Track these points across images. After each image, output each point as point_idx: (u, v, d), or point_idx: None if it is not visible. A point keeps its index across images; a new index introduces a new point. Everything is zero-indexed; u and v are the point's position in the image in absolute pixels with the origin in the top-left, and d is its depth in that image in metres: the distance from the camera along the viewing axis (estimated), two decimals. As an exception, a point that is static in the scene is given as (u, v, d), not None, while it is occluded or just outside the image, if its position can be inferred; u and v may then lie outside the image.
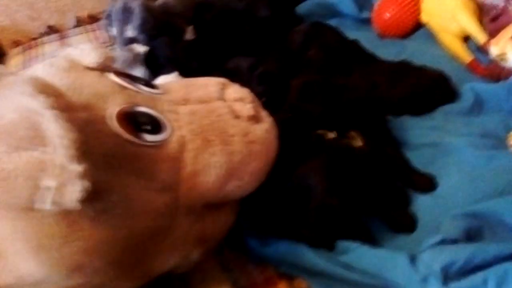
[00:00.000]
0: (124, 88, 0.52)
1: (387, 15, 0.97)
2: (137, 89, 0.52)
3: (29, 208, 0.39)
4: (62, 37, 1.35)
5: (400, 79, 0.76)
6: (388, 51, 0.90)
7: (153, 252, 0.50)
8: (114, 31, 0.93)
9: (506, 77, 0.76)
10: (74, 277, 0.42)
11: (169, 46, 0.88)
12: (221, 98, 0.57)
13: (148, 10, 0.89)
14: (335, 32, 0.89)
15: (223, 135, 0.53)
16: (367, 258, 0.55)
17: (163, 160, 0.49)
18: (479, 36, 0.84)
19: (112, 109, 0.47)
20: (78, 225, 0.41)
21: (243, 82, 0.62)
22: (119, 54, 0.91)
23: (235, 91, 0.59)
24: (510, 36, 0.64)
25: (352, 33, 0.93)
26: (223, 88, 0.59)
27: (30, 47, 1.29)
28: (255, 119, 0.57)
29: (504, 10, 0.84)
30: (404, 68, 0.78)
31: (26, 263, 0.40)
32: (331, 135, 0.61)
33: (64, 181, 0.37)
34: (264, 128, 0.57)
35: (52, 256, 0.40)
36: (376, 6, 1.01)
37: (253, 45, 0.94)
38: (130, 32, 0.91)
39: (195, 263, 0.57)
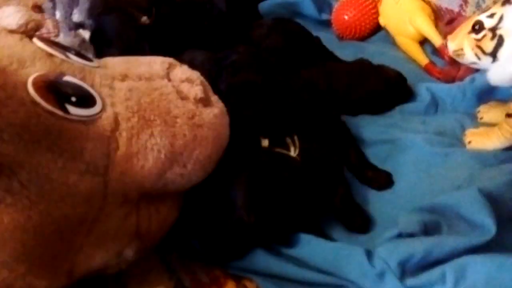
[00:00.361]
0: (50, 55, 0.45)
1: (346, 17, 0.97)
2: (65, 58, 0.46)
3: None
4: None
5: (359, 80, 0.74)
6: (347, 53, 0.90)
7: (75, 246, 0.43)
8: (58, 14, 0.86)
9: (461, 79, 0.78)
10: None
11: (122, 23, 0.82)
12: (167, 76, 0.52)
13: None
14: (299, 26, 0.86)
15: (165, 115, 0.47)
16: (321, 252, 0.52)
17: (90, 138, 0.42)
18: (435, 39, 0.86)
19: (30, 75, 0.40)
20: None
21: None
22: (65, 39, 0.84)
23: (183, 72, 0.53)
24: (467, 31, 0.63)
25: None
26: (169, 67, 0.53)
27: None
28: (203, 102, 0.52)
29: (459, 14, 0.88)
30: (363, 68, 0.77)
31: None
32: (264, 142, 0.57)
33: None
34: (213, 112, 0.52)
35: None
36: (335, 8, 1.02)
37: (210, 39, 0.90)
38: (77, 16, 0.83)
39: (129, 263, 0.50)
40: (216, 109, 0.53)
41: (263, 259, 0.53)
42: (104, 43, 0.79)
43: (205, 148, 0.50)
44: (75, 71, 0.45)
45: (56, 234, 0.40)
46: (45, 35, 0.85)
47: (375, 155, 0.68)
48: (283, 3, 1.07)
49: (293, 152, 0.57)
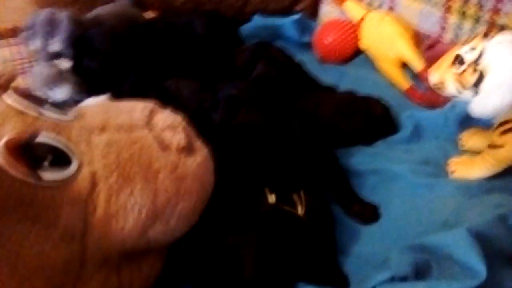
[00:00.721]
0: (22, 113, 0.42)
1: (326, 41, 0.98)
2: (37, 114, 0.43)
3: None
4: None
5: (347, 113, 0.73)
6: (329, 76, 0.90)
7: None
8: (36, 44, 0.83)
9: (443, 104, 0.77)
10: None
11: (106, 36, 0.80)
12: (148, 125, 0.49)
13: (76, 23, 0.80)
14: (281, 51, 0.85)
15: (145, 171, 0.45)
16: None
17: (64, 203, 0.40)
18: (416, 63, 0.86)
19: (1, 138, 0.38)
20: None
21: (182, 108, 0.55)
22: (41, 70, 0.82)
23: (165, 118, 0.51)
24: (448, 65, 0.62)
25: (294, 57, 0.91)
26: (150, 114, 0.51)
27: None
28: (186, 150, 0.50)
29: (439, 38, 0.89)
30: (351, 101, 0.76)
31: None
32: (271, 198, 0.54)
33: None
34: (197, 161, 0.50)
35: None
36: (316, 32, 1.01)
37: (191, 64, 0.88)
38: (56, 45, 0.81)
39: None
40: (199, 157, 0.51)
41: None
42: (86, 54, 0.77)
43: (188, 201, 0.48)
44: (48, 128, 0.42)
45: (29, 310, 0.38)
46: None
47: (361, 186, 0.67)
48: (264, 25, 1.07)
49: (300, 210, 0.55)
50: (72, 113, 0.47)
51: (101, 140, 0.45)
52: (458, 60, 0.61)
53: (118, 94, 0.77)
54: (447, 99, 0.77)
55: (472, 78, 0.60)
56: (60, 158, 0.41)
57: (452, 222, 0.59)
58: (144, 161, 0.45)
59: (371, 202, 0.65)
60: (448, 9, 0.87)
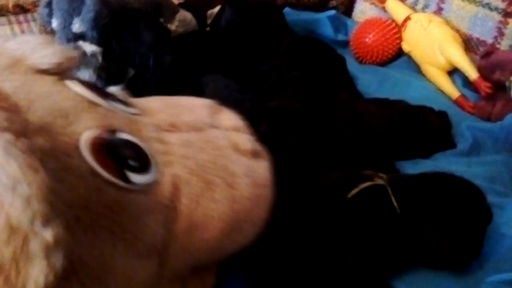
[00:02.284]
0: (94, 104, 0.36)
1: (367, 40, 0.93)
2: (110, 107, 0.37)
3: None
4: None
5: (402, 125, 0.69)
6: (370, 78, 0.86)
7: None
8: (55, 23, 0.74)
9: (497, 116, 0.75)
10: None
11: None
12: (213, 125, 0.45)
13: (103, 2, 0.72)
14: (323, 44, 0.82)
15: (223, 174, 0.40)
16: None
17: (150, 210, 0.34)
18: (470, 71, 0.81)
19: (83, 134, 0.32)
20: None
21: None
22: None
23: (229, 118, 0.47)
24: None
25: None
26: (213, 112, 0.46)
27: None
28: (254, 154, 0.46)
29: (494, 47, 0.84)
30: (404, 111, 0.71)
31: None
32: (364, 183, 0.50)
33: (28, 256, 0.22)
34: (265, 166, 0.46)
35: None
36: (355, 30, 0.97)
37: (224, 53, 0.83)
38: (78, 26, 0.73)
39: None
40: (266, 161, 0.47)
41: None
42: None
43: (263, 207, 0.44)
44: (125, 125, 0.36)
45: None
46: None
47: None
48: (297, 20, 1.01)
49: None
50: (136, 106, 0.41)
51: (174, 139, 0.40)
52: None
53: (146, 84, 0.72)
54: (503, 111, 0.75)
55: None
56: (142, 160, 0.35)
57: None
58: (221, 163, 0.41)
59: None
60: (509, 14, 0.82)
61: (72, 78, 0.38)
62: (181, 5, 0.97)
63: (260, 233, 0.45)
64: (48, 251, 0.23)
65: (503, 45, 0.83)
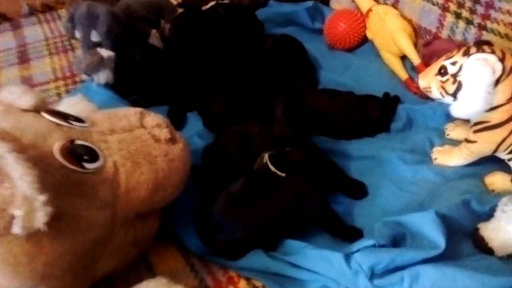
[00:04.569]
0: (58, 125, 0.61)
1: (338, 28, 1.06)
2: (69, 125, 0.62)
3: (1, 235, 0.48)
4: (16, 27, 1.28)
5: (346, 112, 0.87)
6: (336, 63, 1.01)
7: (98, 258, 0.61)
8: (78, 34, 0.94)
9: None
10: (41, 285, 0.52)
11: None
12: (142, 125, 0.69)
13: (113, 17, 0.92)
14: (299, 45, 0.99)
15: (148, 157, 0.66)
16: (311, 258, 0.65)
17: (101, 182, 0.60)
18: (414, 58, 0.96)
19: (54, 145, 0.57)
20: (40, 244, 0.51)
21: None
22: (84, 57, 0.95)
23: (153, 119, 0.71)
24: (435, 73, 0.73)
25: (305, 43, 1.04)
26: (141, 117, 0.71)
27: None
28: (171, 141, 0.70)
29: (435, 37, 0.97)
30: (350, 101, 0.88)
31: (2, 278, 0.49)
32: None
33: (32, 209, 0.47)
34: (180, 147, 0.71)
35: (22, 270, 0.50)
36: (328, 20, 1.10)
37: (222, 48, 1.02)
38: (95, 36, 0.93)
39: (130, 263, 0.69)
40: (181, 144, 0.71)
41: (267, 263, 0.67)
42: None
43: (178, 175, 0.69)
44: (80, 135, 0.61)
45: (88, 253, 0.58)
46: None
47: (358, 168, 0.81)
48: (279, 11, 1.18)
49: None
50: (87, 121, 0.66)
51: (113, 139, 0.65)
52: (443, 70, 0.71)
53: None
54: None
55: (452, 87, 0.70)
56: (92, 155, 0.60)
57: (427, 203, 0.72)
58: (145, 150, 0.66)
59: (362, 181, 0.78)
60: (446, 9, 0.95)
61: (45, 110, 0.63)
62: (179, 5, 1.18)
63: (180, 191, 0.71)
64: (44, 206, 0.48)
65: (444, 34, 0.97)
